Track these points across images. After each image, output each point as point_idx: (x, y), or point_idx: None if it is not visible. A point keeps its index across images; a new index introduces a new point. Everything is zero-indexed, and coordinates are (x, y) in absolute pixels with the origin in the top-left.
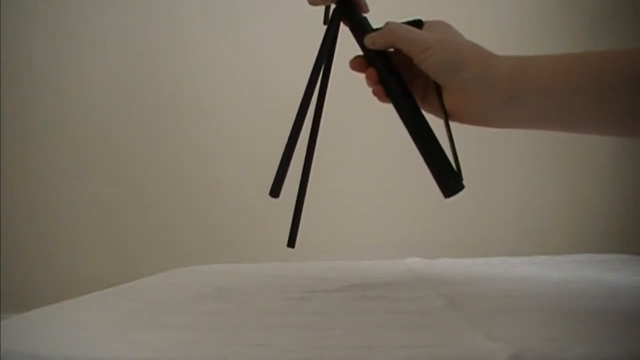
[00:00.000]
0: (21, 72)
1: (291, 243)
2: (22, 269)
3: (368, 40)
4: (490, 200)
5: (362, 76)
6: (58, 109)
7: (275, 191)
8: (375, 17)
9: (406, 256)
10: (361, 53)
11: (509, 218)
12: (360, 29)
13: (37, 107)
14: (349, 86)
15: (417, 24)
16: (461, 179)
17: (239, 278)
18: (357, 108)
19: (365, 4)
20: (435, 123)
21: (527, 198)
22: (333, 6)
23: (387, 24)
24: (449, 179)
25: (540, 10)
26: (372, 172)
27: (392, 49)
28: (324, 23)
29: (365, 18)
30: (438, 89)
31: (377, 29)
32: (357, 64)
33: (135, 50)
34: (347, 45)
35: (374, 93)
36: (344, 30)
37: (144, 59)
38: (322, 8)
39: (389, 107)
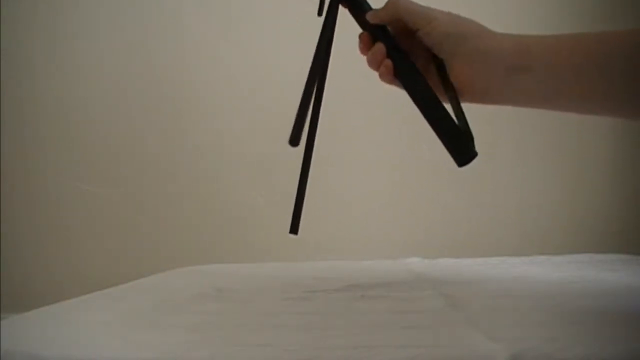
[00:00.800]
0: (21, 72)
1: (294, 229)
2: (22, 269)
3: (371, 15)
4: (490, 200)
5: (362, 75)
6: (58, 109)
7: (294, 140)
8: None
9: (406, 256)
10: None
11: (509, 218)
12: (361, 8)
13: (37, 107)
14: (349, 86)
15: None
16: (473, 145)
17: (239, 278)
18: (358, 107)
19: None
20: None
21: (527, 198)
22: None
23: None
24: (462, 147)
25: (541, 10)
26: (372, 172)
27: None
28: (319, 14)
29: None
30: (439, 64)
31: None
32: (365, 39)
33: (135, 50)
34: (348, 43)
35: (382, 70)
36: (345, 25)
37: (143, 58)
38: None
39: (389, 108)
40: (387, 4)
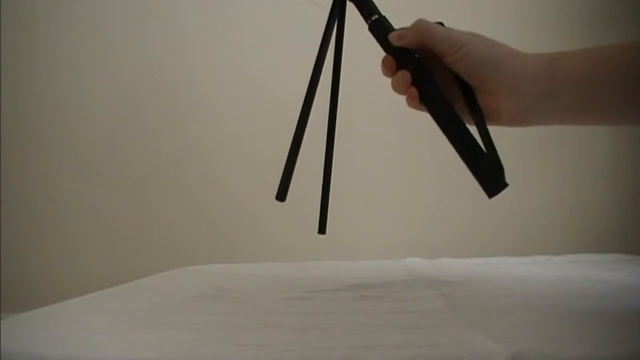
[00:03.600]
0: (21, 72)
1: (322, 229)
2: (22, 269)
3: (395, 37)
4: (490, 200)
5: (365, 76)
6: (58, 109)
7: (281, 195)
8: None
9: (406, 256)
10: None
11: (509, 218)
12: (382, 28)
13: (37, 107)
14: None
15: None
16: (504, 177)
17: (239, 278)
18: (359, 109)
19: None
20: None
21: (527, 198)
22: None
23: (417, 20)
24: (492, 178)
25: (541, 10)
26: (372, 173)
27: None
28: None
29: None
30: (467, 90)
31: (376, 19)
32: (389, 64)
33: (135, 51)
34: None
35: (409, 97)
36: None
37: (143, 59)
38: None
39: (389, 108)
40: (413, 27)
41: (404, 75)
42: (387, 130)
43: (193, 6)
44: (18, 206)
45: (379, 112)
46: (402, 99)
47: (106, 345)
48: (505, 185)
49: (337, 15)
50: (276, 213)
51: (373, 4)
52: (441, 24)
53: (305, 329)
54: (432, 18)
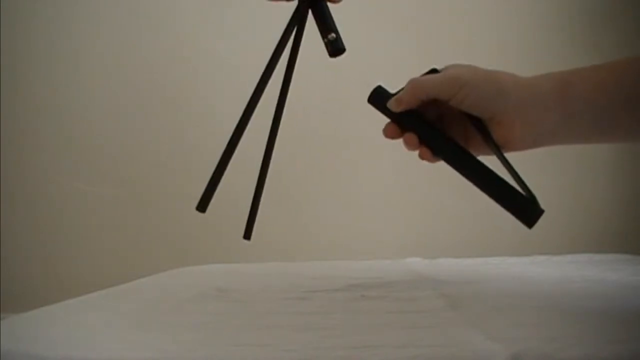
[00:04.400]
0: (21, 72)
1: (247, 235)
2: (22, 269)
3: (393, 103)
4: (490, 200)
5: (362, 77)
6: (58, 110)
7: (202, 206)
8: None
9: (406, 256)
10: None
11: (509, 218)
12: (326, 23)
13: (37, 107)
14: (348, 88)
15: (433, 72)
16: (537, 203)
17: (239, 278)
18: (358, 111)
19: None
20: None
21: None
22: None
23: (409, 81)
24: (526, 209)
25: (541, 10)
26: (372, 174)
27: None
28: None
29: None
30: (480, 126)
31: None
32: (391, 132)
33: (136, 51)
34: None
35: (421, 156)
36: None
37: (143, 59)
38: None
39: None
40: (407, 89)
41: (410, 137)
42: None
43: (193, 6)
44: (18, 206)
45: (379, 113)
46: None
47: (106, 345)
48: (542, 211)
49: (295, 25)
50: (276, 213)
51: (332, 20)
52: (435, 70)
53: (305, 329)
54: (433, 21)
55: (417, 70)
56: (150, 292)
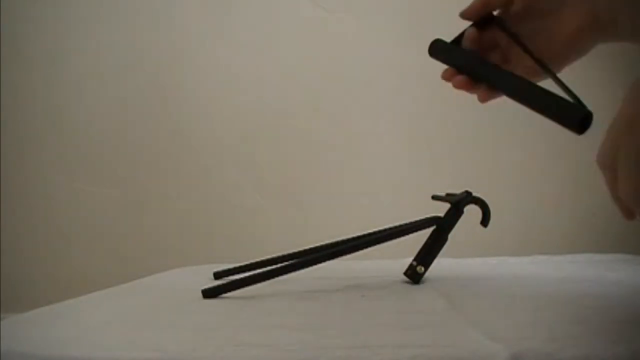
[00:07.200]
0: (21, 73)
1: None
2: (22, 269)
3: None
4: (490, 200)
5: (360, 77)
6: (58, 110)
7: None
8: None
9: (406, 256)
10: None
11: (509, 218)
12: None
13: (36, 107)
14: (348, 88)
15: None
16: (584, 106)
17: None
18: (358, 110)
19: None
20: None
21: (527, 198)
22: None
23: None
24: (574, 114)
25: None
26: (372, 173)
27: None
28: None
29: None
30: (523, 47)
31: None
32: (449, 75)
33: (136, 51)
34: (351, 43)
35: (480, 97)
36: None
37: (143, 60)
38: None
39: (390, 109)
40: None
41: (460, 78)
42: (388, 130)
43: (193, 8)
44: (18, 206)
45: (380, 114)
46: (396, 105)
47: (106, 345)
48: (589, 114)
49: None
50: (276, 213)
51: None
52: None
53: (305, 329)
54: (434, 13)
55: (416, 69)
56: (150, 292)
